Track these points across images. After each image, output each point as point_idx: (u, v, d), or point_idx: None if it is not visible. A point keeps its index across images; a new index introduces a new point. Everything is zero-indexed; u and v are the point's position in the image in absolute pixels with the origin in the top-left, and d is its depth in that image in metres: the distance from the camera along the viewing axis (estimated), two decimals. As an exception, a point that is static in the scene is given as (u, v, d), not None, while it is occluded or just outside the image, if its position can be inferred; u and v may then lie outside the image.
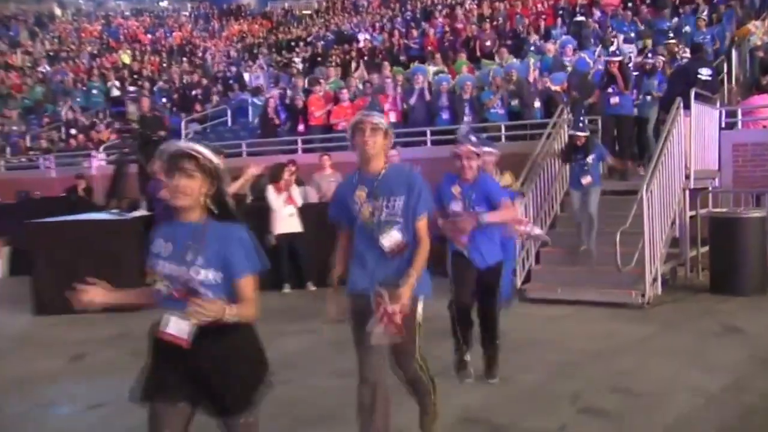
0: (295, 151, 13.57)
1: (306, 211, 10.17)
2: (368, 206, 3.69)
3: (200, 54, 29.15)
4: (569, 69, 13.01)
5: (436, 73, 14.11)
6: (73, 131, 18.77)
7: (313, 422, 4.96)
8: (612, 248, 8.00)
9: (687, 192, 9.52)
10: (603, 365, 5.96)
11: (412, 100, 12.97)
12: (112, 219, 9.46)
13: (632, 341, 6.71)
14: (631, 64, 12.85)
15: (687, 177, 9.48)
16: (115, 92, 24.67)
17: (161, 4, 43.93)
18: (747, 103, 11.11)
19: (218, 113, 19.52)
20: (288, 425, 4.81)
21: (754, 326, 7.02)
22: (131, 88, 16.34)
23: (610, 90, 10.11)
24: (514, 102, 12.53)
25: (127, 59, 29.26)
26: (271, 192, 9.95)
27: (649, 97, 10.49)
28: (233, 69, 23.26)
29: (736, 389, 5.23)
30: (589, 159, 8.81)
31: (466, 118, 12.40)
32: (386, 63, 16.11)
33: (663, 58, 11.79)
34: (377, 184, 3.69)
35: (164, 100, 20.97)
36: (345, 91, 14.01)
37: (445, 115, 12.78)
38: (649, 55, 11.27)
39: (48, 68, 27.66)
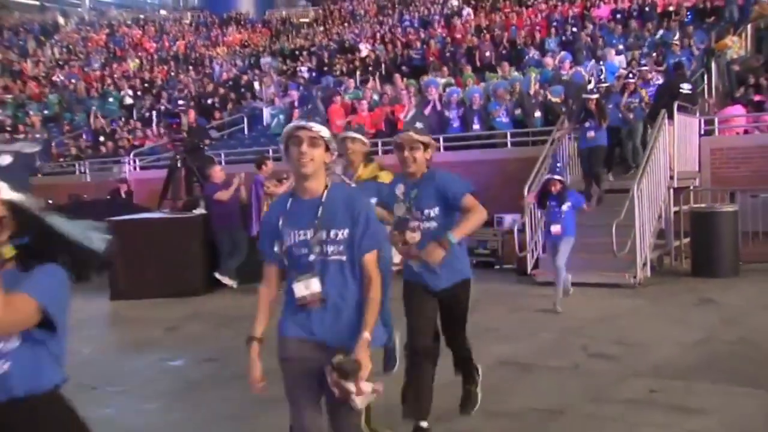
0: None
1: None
2: (298, 238, 3.12)
3: (207, 62, 30.65)
4: (566, 81, 14.66)
5: (445, 85, 15.75)
6: (101, 138, 20.32)
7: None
8: (609, 238, 9.63)
9: (671, 190, 11.19)
10: (604, 327, 7.60)
11: (426, 111, 14.61)
12: (178, 216, 11.02)
13: (626, 311, 8.37)
14: (619, 76, 14.48)
15: (671, 177, 11.15)
16: (128, 101, 26.23)
17: (161, 12, 45.45)
18: (723, 112, 12.84)
19: (234, 121, 21.13)
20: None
21: (726, 299, 8.68)
22: (180, 102, 17.84)
23: (587, 124, 11.00)
24: (518, 111, 14.20)
25: (135, 66, 30.73)
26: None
27: (631, 115, 11.82)
28: (244, 77, 24.74)
29: (707, 341, 6.87)
30: (564, 207, 8.49)
31: (475, 126, 14.09)
32: (398, 75, 17.70)
33: (634, 80, 13.05)
34: (318, 213, 3.08)
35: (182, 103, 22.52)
36: (364, 101, 15.63)
37: (455, 124, 14.44)
38: (630, 75, 12.62)
39: (61, 77, 29.07)
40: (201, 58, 31.60)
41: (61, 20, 38.45)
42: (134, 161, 17.81)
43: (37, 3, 43.12)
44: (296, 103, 17.86)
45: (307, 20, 38.03)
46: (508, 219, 12.01)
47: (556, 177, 8.61)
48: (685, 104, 11.53)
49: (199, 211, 11.03)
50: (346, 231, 3.07)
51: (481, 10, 28.09)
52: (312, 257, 3.09)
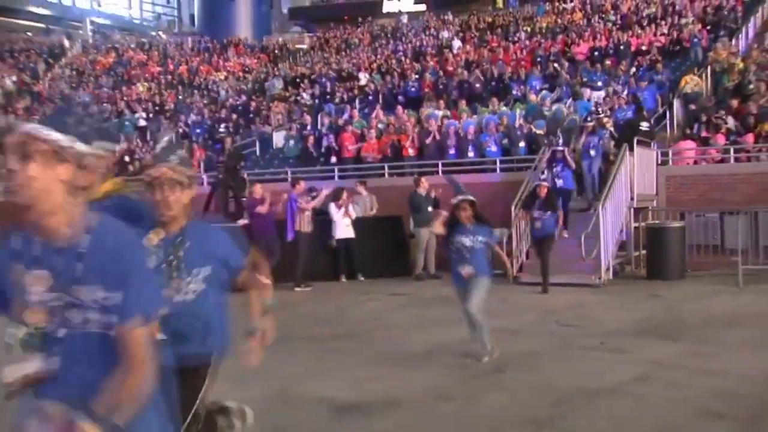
0: (332, 178, 17.73)
1: (357, 223, 14.34)
2: (45, 299, 2.18)
3: (212, 87, 33.19)
4: (548, 116, 17.39)
5: (443, 117, 18.46)
6: (126, 158, 22.87)
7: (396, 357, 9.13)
8: (579, 248, 12.29)
9: (632, 210, 13.88)
10: (572, 310, 10.23)
11: (428, 140, 17.30)
12: (226, 225, 13.52)
13: (590, 301, 11.01)
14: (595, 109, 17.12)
15: (632, 199, 13.84)
16: (142, 123, 28.73)
17: (160, 34, 48.04)
18: (677, 146, 15.61)
19: (245, 144, 23.68)
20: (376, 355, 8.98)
21: (669, 294, 11.34)
22: (221, 130, 20.47)
23: (535, 215, 12.14)
24: (505, 141, 16.93)
25: (143, 89, 33.22)
26: (333, 208, 14.07)
27: (593, 151, 14.01)
28: (252, 104, 27.35)
29: (647, 318, 9.52)
30: (470, 241, 7.16)
31: (469, 154, 16.79)
32: (399, 107, 20.40)
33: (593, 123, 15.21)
34: (72, 265, 2.14)
35: (198, 131, 25.12)
36: (372, 130, 18.31)
37: (452, 152, 17.14)
38: (589, 118, 15.10)
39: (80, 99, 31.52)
40: (206, 83, 34.16)
41: (66, 43, 40.80)
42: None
43: (43, 26, 45.58)
44: (308, 128, 20.52)
45: (303, 46, 40.53)
46: (497, 232, 14.60)
47: (468, 197, 7.24)
48: (644, 139, 14.26)
49: (242, 221, 13.57)
50: (107, 291, 2.16)
51: (470, 41, 30.95)
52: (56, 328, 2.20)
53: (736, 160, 14.68)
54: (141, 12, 58.92)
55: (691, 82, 18.84)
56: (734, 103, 16.95)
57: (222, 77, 34.41)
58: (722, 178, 14.34)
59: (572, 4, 35.28)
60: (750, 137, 15.17)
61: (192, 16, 55.26)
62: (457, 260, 7.21)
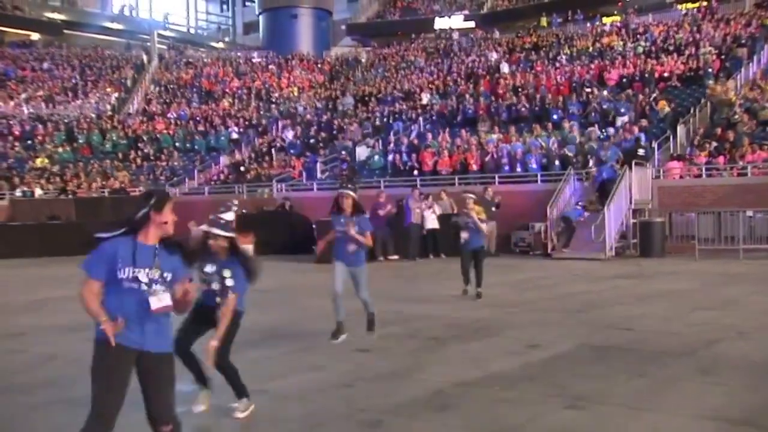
0: (414, 186, 26.42)
1: (440, 218, 23.06)
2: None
3: (288, 103, 41.86)
4: (576, 141, 26.03)
5: (498, 140, 27.20)
6: (242, 168, 31.81)
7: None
8: (591, 234, 20.88)
9: (631, 210, 22.44)
10: (581, 270, 18.83)
11: (487, 158, 26.03)
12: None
13: (595, 267, 19.59)
14: (615, 132, 25.77)
15: (631, 202, 22.39)
16: (235, 136, 37.58)
17: (218, 45, 56.81)
18: (666, 166, 24.19)
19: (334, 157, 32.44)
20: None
21: (646, 264, 19.85)
22: (343, 153, 29.49)
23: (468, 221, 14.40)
24: (544, 161, 25.61)
25: (228, 104, 42.01)
26: (424, 207, 22.79)
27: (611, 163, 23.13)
28: (335, 122, 36.09)
29: (625, 272, 18.10)
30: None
31: (518, 169, 25.53)
32: (463, 130, 29.19)
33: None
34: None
35: (293, 145, 34.02)
36: (445, 150, 27.11)
37: (506, 168, 25.85)
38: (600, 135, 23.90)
39: (174, 114, 40.44)
40: (281, 98, 42.83)
41: (145, 57, 49.53)
42: (279, 185, 29.24)
43: (123, 40, 54.66)
44: (391, 145, 29.42)
45: (361, 61, 48.65)
46: (537, 225, 23.24)
47: (348, 192, 9.71)
48: (641, 162, 22.83)
49: (364, 216, 22.40)
50: None
51: (515, 61, 38.89)
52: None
53: (708, 176, 23.20)
54: (196, 21, 68.04)
55: (665, 107, 27.34)
56: (718, 131, 25.41)
57: (295, 93, 43.13)
58: (697, 188, 22.87)
59: (610, 26, 42.80)
60: (721, 159, 23.67)
61: (246, 25, 64.16)
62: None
